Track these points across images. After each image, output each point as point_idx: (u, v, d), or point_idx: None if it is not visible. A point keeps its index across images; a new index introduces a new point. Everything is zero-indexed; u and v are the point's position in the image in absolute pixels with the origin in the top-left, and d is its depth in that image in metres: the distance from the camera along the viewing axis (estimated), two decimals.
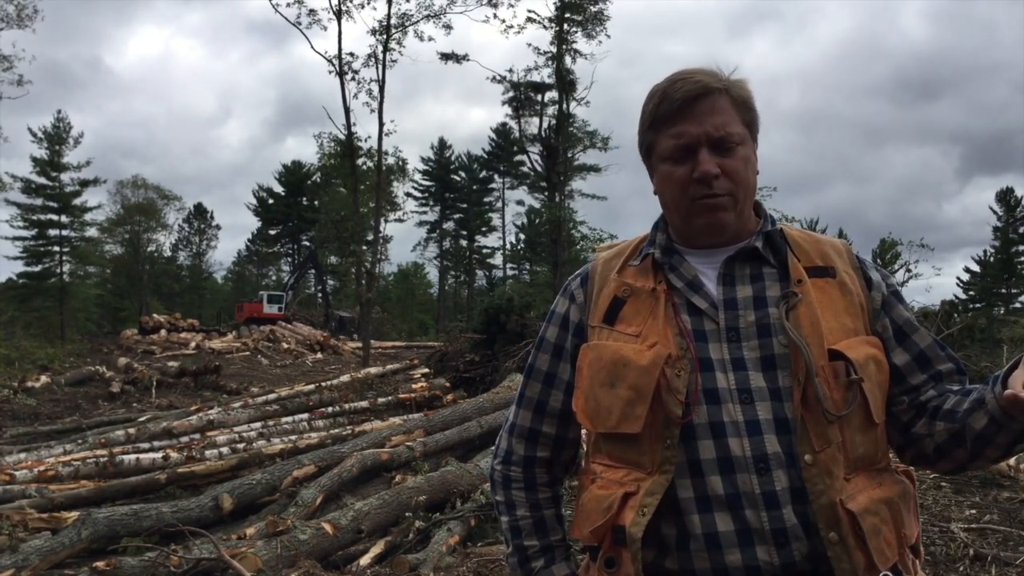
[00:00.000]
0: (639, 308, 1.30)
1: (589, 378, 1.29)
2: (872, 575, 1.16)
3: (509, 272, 57.47)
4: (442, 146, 58.34)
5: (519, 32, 40.18)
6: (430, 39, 25.55)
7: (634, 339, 1.27)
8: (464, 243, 58.46)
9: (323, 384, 11.41)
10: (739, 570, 1.16)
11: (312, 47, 36.21)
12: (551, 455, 1.44)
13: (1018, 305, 45.35)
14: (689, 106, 1.26)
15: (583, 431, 1.43)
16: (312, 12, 23.82)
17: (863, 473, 1.21)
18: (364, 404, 10.12)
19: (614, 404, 1.24)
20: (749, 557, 1.15)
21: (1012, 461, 5.55)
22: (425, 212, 57.11)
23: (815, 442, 1.17)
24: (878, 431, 1.25)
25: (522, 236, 55.04)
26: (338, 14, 23.22)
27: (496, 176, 57.05)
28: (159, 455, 7.37)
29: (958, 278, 48.34)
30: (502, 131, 50.65)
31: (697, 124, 1.26)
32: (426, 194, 57.49)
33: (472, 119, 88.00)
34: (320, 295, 40.96)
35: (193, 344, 25.01)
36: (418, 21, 24.72)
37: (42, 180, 40.00)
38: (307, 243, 51.46)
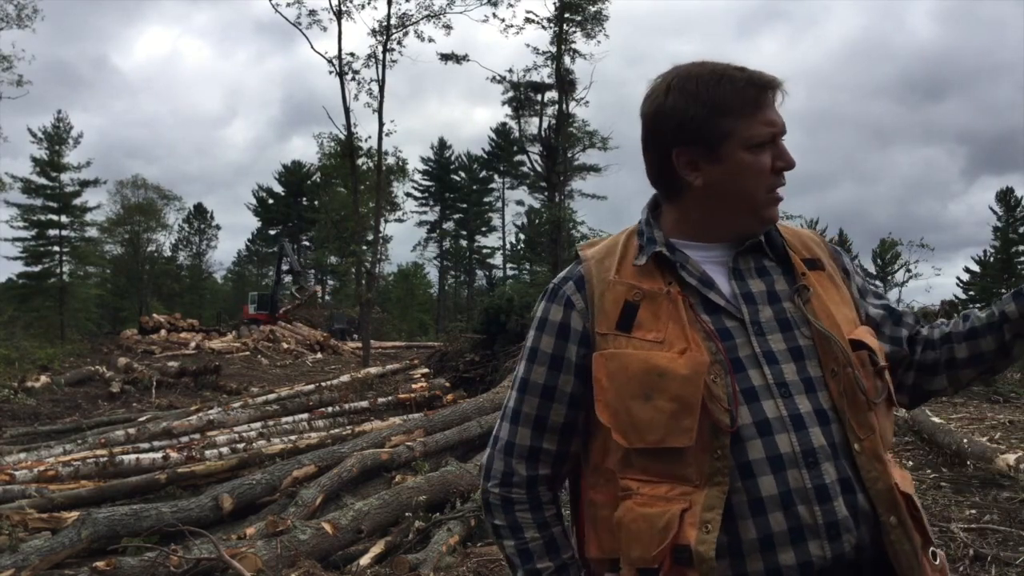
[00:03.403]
0: (656, 312, 1.22)
1: (615, 391, 1.20)
2: (926, 552, 1.18)
3: (509, 272, 57.41)
4: (442, 146, 58.39)
5: (518, 32, 40.24)
6: (430, 40, 25.54)
7: (658, 346, 1.19)
8: (464, 243, 58.44)
9: (323, 384, 11.39)
10: (793, 568, 1.13)
11: (312, 47, 36.12)
12: (553, 472, 1.35)
13: None
14: (773, 94, 1.25)
15: (585, 444, 1.34)
16: (312, 12, 23.83)
17: (891, 456, 1.24)
18: (364, 404, 10.12)
19: (655, 418, 1.16)
20: (802, 554, 1.13)
21: (1012, 461, 5.52)
22: (425, 212, 57.15)
23: (859, 431, 1.18)
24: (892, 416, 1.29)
25: (522, 236, 55.04)
26: (338, 14, 23.22)
27: (496, 176, 57.03)
28: (159, 455, 7.36)
29: (958, 278, 48.42)
30: (502, 131, 50.62)
31: (778, 114, 1.25)
32: (426, 194, 57.48)
33: (476, 119, 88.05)
34: (322, 294, 40.87)
35: (193, 344, 24.98)
36: (418, 21, 24.73)
37: (42, 180, 40.00)
38: (307, 243, 51.41)
